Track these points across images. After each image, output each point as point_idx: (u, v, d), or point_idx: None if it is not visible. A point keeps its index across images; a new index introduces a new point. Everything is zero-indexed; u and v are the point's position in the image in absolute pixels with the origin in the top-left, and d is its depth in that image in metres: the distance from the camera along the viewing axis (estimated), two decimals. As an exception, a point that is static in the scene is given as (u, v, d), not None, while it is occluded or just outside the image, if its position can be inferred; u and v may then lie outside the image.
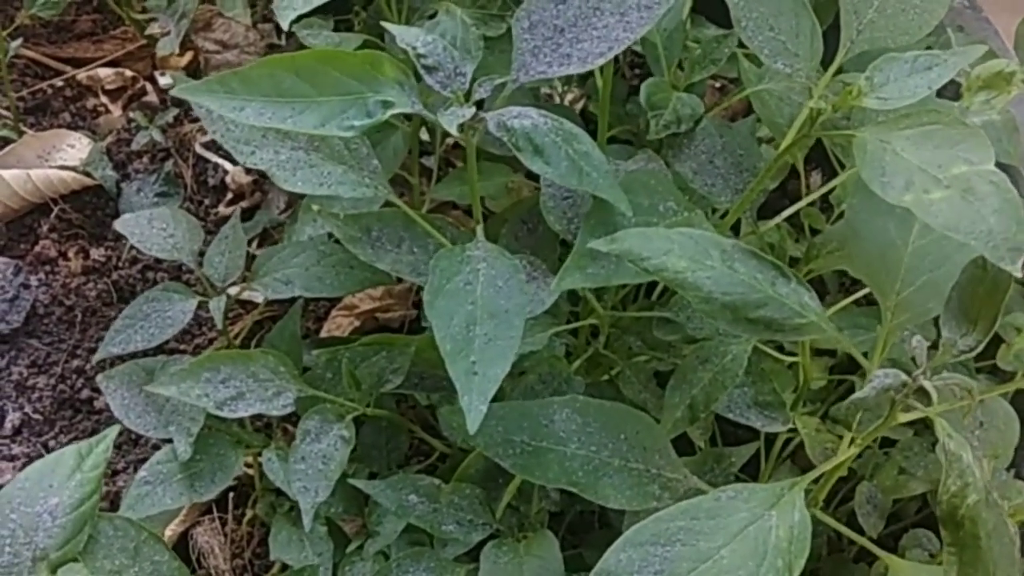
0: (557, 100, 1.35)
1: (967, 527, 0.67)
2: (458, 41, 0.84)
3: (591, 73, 1.06)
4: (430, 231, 0.91)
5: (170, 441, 1.01)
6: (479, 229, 0.82)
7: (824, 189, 0.98)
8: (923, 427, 1.06)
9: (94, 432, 1.25)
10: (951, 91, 1.12)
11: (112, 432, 0.88)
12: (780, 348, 1.10)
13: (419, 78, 0.79)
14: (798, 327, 0.72)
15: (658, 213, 0.83)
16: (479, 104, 0.79)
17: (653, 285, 1.05)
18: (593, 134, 1.08)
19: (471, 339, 0.75)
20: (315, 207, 0.96)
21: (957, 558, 0.68)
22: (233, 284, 1.08)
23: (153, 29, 1.44)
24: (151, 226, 1.09)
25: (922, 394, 0.72)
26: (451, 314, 0.76)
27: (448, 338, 0.75)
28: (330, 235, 1.04)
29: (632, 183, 0.83)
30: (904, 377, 0.70)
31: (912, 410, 0.74)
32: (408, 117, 1.14)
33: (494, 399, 0.97)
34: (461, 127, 0.77)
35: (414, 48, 0.78)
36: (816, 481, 0.85)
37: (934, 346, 0.89)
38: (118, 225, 1.10)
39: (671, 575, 0.68)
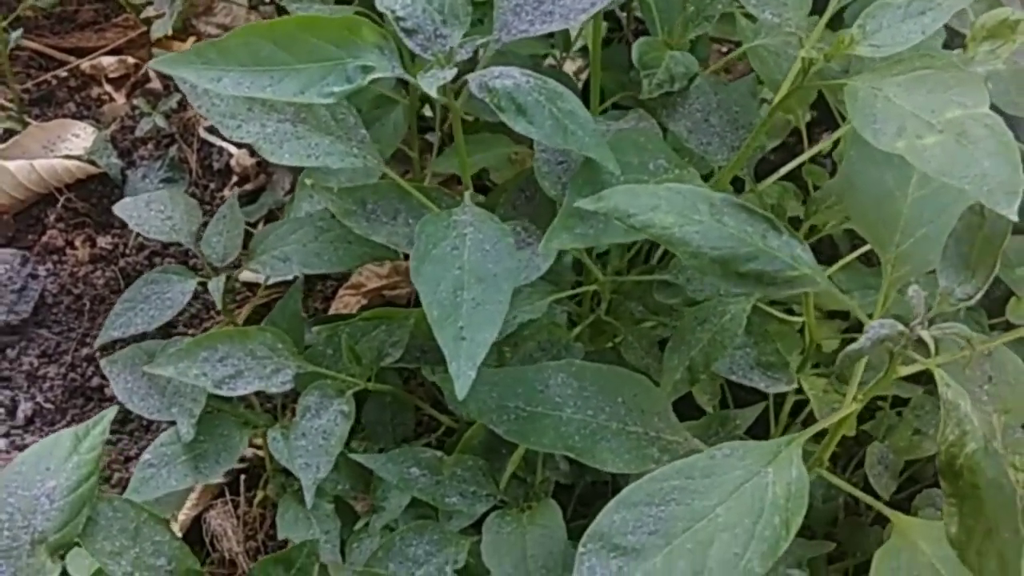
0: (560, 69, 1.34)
1: (966, 476, 0.65)
2: (446, 6, 0.83)
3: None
4: (424, 202, 0.90)
5: (175, 423, 1.00)
6: (467, 194, 0.81)
7: (823, 144, 0.96)
8: (935, 384, 1.04)
9: (106, 419, 1.25)
10: (958, 44, 1.10)
11: (109, 413, 0.88)
12: (788, 310, 1.09)
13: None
14: (790, 279, 0.70)
15: (648, 171, 0.81)
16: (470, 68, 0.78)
17: (654, 249, 1.04)
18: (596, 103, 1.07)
19: (459, 304, 0.74)
20: (308, 181, 0.95)
21: (957, 509, 0.66)
22: (235, 265, 1.07)
23: (149, 12, 1.43)
24: (149, 209, 1.08)
25: (922, 345, 0.70)
26: (438, 280, 0.75)
27: (435, 304, 0.74)
28: (328, 211, 1.03)
29: (622, 142, 0.82)
30: (900, 327, 0.68)
31: (913, 363, 0.73)
32: (407, 91, 1.13)
33: (493, 366, 0.96)
34: (442, 90, 0.76)
35: (393, 11, 0.77)
36: (819, 440, 0.83)
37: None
38: (117, 209, 1.09)
39: (666, 535, 0.67)
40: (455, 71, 0.75)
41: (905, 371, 0.74)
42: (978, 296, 0.71)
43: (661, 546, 0.67)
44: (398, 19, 0.77)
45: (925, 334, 0.69)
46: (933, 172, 0.68)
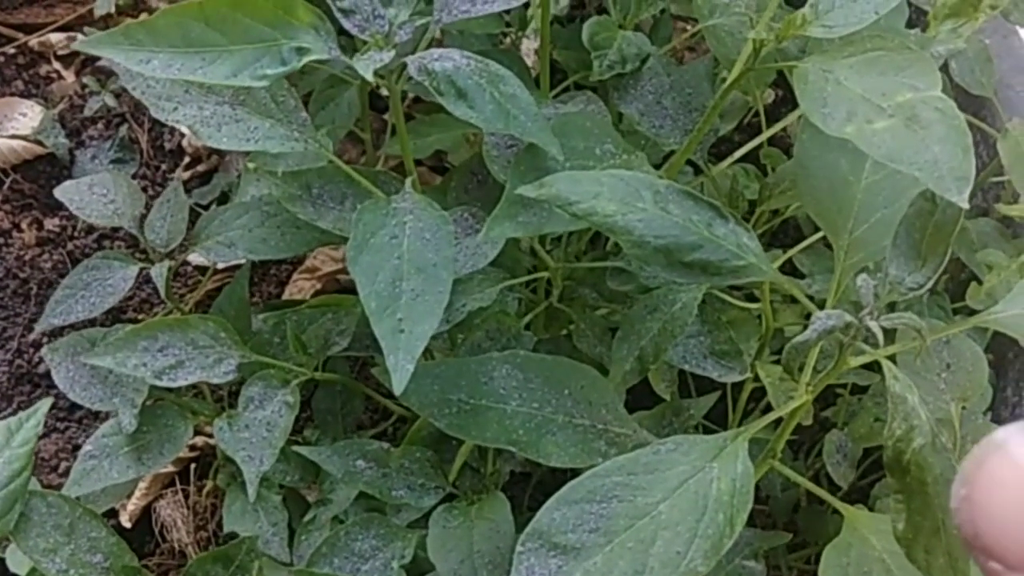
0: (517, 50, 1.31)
1: (913, 472, 0.63)
2: (391, -14, 0.80)
3: (554, 21, 1.02)
4: (370, 188, 0.87)
5: (117, 413, 0.98)
6: (408, 181, 0.79)
7: (780, 126, 0.93)
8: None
9: (53, 407, 1.22)
10: (923, 24, 1.08)
11: (44, 406, 0.85)
12: (749, 296, 1.07)
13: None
14: (736, 269, 0.68)
15: (595, 156, 0.79)
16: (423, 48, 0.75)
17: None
18: (557, 83, 1.04)
19: (398, 295, 0.72)
20: (251, 165, 0.92)
21: (905, 505, 0.64)
22: (181, 249, 1.04)
23: (98, -10, 1.40)
24: (92, 192, 1.05)
25: (873, 336, 0.68)
26: (376, 269, 0.72)
27: (373, 295, 0.71)
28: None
29: (567, 126, 0.79)
30: (848, 318, 0.66)
31: (864, 353, 0.71)
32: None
33: (446, 355, 0.94)
34: (381, 73, 0.73)
35: (330, -9, 0.74)
36: (775, 430, 0.82)
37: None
38: (59, 193, 1.06)
39: (607, 533, 0.65)
40: (393, 54, 0.73)
41: (857, 362, 0.72)
42: (929, 285, 0.69)
43: (602, 544, 0.65)
44: (335, -1, 0.74)
45: (874, 325, 0.67)
46: (883, 158, 0.66)
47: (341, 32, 0.76)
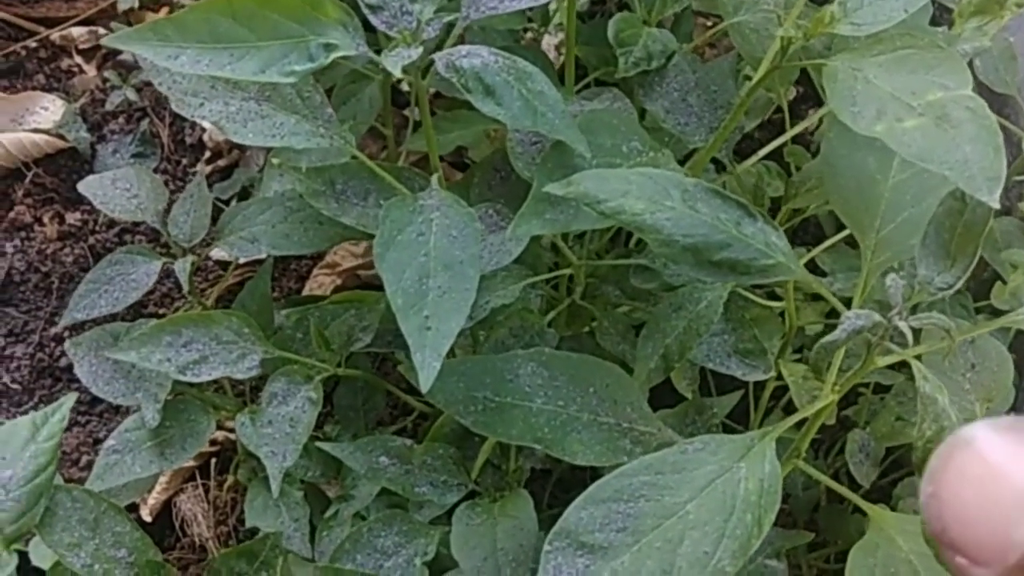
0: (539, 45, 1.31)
1: None
2: (416, -19, 0.80)
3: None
4: (394, 184, 0.87)
5: (140, 408, 0.98)
6: (434, 178, 0.78)
7: (805, 124, 0.93)
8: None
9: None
10: (947, 20, 1.08)
11: (69, 400, 0.85)
12: (770, 294, 1.06)
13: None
14: (764, 268, 0.68)
15: (621, 154, 0.79)
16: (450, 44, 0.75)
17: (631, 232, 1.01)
18: (578, 79, 1.04)
19: (424, 292, 0.72)
20: (275, 161, 0.92)
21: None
22: (204, 244, 1.04)
23: (120, -17, 1.40)
24: (115, 187, 1.05)
25: (901, 335, 0.68)
26: (403, 266, 0.72)
27: (400, 292, 0.71)
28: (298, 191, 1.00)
29: (594, 123, 0.79)
30: (877, 318, 0.66)
31: (891, 353, 0.70)
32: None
33: (468, 352, 0.94)
34: (408, 69, 0.73)
35: (357, -13, 0.74)
36: (799, 429, 0.81)
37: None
38: (82, 187, 1.06)
39: (634, 532, 0.65)
40: (420, 50, 0.72)
41: (884, 361, 0.71)
42: (958, 285, 0.69)
43: (629, 544, 0.65)
44: (363, -5, 0.74)
45: (903, 325, 0.66)
46: (913, 157, 0.65)
47: (366, 27, 0.76)
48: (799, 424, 0.79)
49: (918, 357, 0.69)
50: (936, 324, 0.66)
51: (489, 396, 0.78)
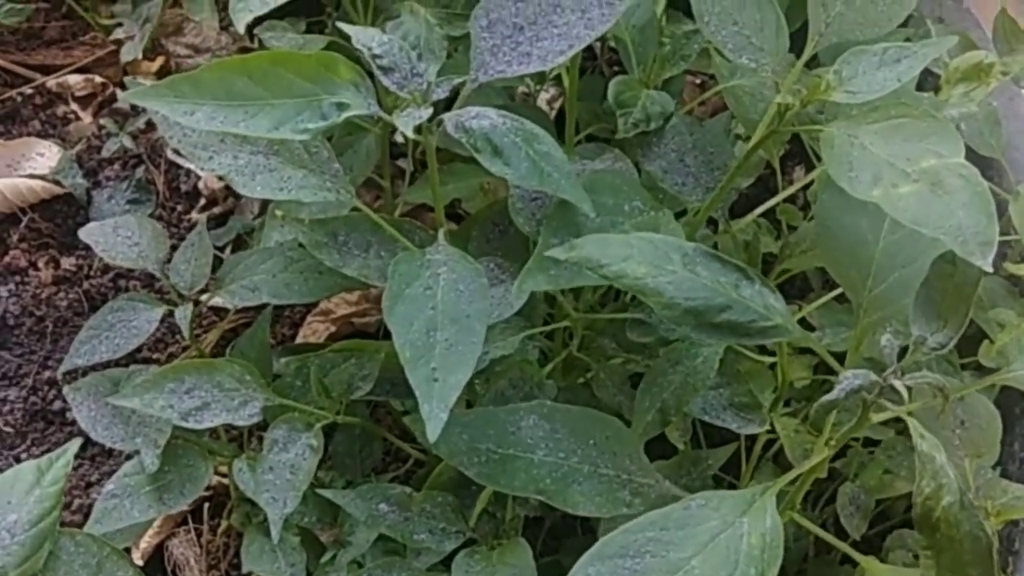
0: (535, 101, 1.33)
1: (943, 529, 0.65)
2: (421, 41, 0.83)
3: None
4: (397, 237, 0.89)
5: (139, 452, 0.99)
6: (440, 233, 0.81)
7: (799, 185, 0.96)
8: (906, 426, 1.05)
9: (67, 444, 1.23)
10: (931, 84, 1.11)
11: (73, 446, 0.86)
12: (761, 348, 1.09)
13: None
14: (763, 330, 0.71)
15: (623, 213, 0.81)
16: (449, 104, 0.77)
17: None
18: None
19: (432, 345, 0.73)
20: (279, 212, 0.94)
21: (935, 561, 0.66)
22: (202, 292, 1.06)
23: (119, 34, 1.42)
24: (116, 234, 1.06)
25: (895, 392, 0.70)
26: (411, 320, 0.74)
27: (408, 344, 0.73)
28: (298, 241, 1.02)
29: (597, 183, 0.81)
30: (874, 377, 0.68)
31: (885, 410, 0.73)
32: (378, 119, 1.12)
33: (464, 404, 0.95)
34: (419, 129, 0.75)
35: (370, 49, 0.77)
36: (793, 483, 0.83)
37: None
38: (83, 234, 1.07)
39: None
40: (431, 110, 0.75)
41: (878, 418, 0.74)
42: (950, 345, 0.71)
43: None
44: (375, 57, 0.76)
45: (899, 384, 0.69)
46: (908, 222, 0.68)
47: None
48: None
49: (910, 414, 0.72)
50: (930, 383, 0.68)
51: (492, 448, 0.80)
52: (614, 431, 0.82)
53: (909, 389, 0.70)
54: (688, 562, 0.67)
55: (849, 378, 0.68)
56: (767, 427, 0.94)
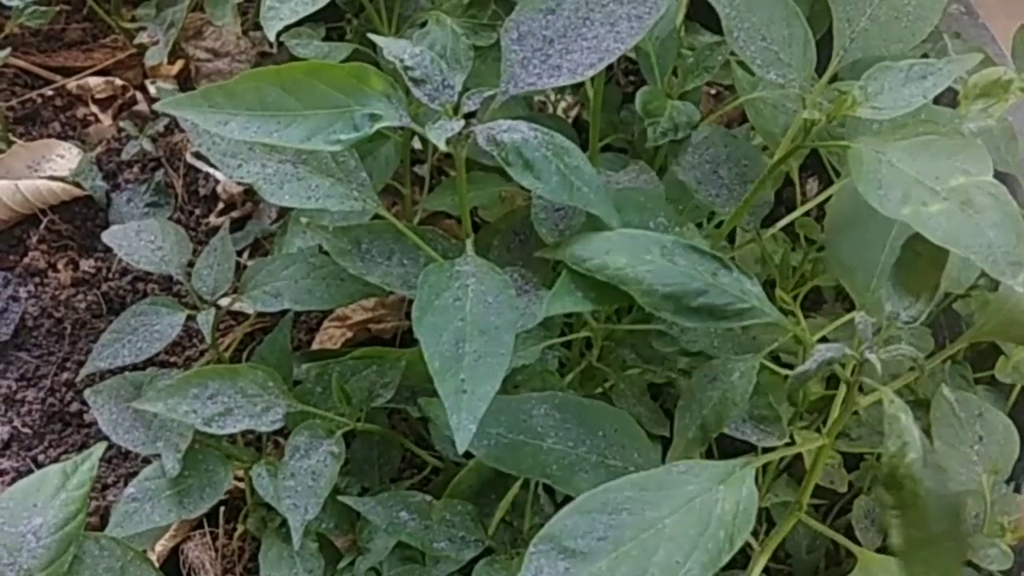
0: (551, 109, 1.34)
1: (907, 486, 0.67)
2: (448, 51, 0.83)
3: (584, 81, 1.05)
4: (421, 245, 0.90)
5: (159, 456, 0.99)
6: (468, 244, 0.81)
7: (821, 198, 0.96)
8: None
9: (84, 446, 1.24)
10: (948, 98, 1.11)
11: (98, 450, 0.87)
12: (778, 361, 1.09)
13: (408, 90, 0.78)
14: (740, 312, 0.75)
15: (649, 229, 0.82)
16: (470, 115, 0.78)
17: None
18: (588, 143, 1.07)
19: (461, 356, 0.74)
20: (304, 220, 0.94)
21: (900, 519, 0.68)
22: (223, 296, 1.06)
23: (142, 38, 1.42)
24: (139, 238, 1.07)
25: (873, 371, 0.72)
26: (440, 330, 0.75)
27: (437, 355, 0.74)
28: (320, 247, 1.03)
29: (622, 201, 0.82)
30: (846, 349, 0.71)
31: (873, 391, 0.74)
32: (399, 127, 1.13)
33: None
34: (449, 141, 0.76)
35: (402, 60, 0.77)
36: (800, 482, 0.84)
37: (930, 354, 0.89)
38: (106, 237, 1.08)
39: (614, 541, 0.68)
40: (463, 122, 0.75)
41: (866, 400, 0.76)
42: (922, 318, 0.74)
43: (608, 551, 0.68)
44: (407, 68, 0.77)
45: (873, 356, 0.71)
46: (939, 240, 0.69)
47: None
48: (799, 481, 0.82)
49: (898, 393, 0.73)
50: (904, 355, 0.70)
51: (503, 432, 0.83)
52: (623, 425, 0.84)
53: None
54: (662, 521, 0.69)
55: (822, 350, 0.71)
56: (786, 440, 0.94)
